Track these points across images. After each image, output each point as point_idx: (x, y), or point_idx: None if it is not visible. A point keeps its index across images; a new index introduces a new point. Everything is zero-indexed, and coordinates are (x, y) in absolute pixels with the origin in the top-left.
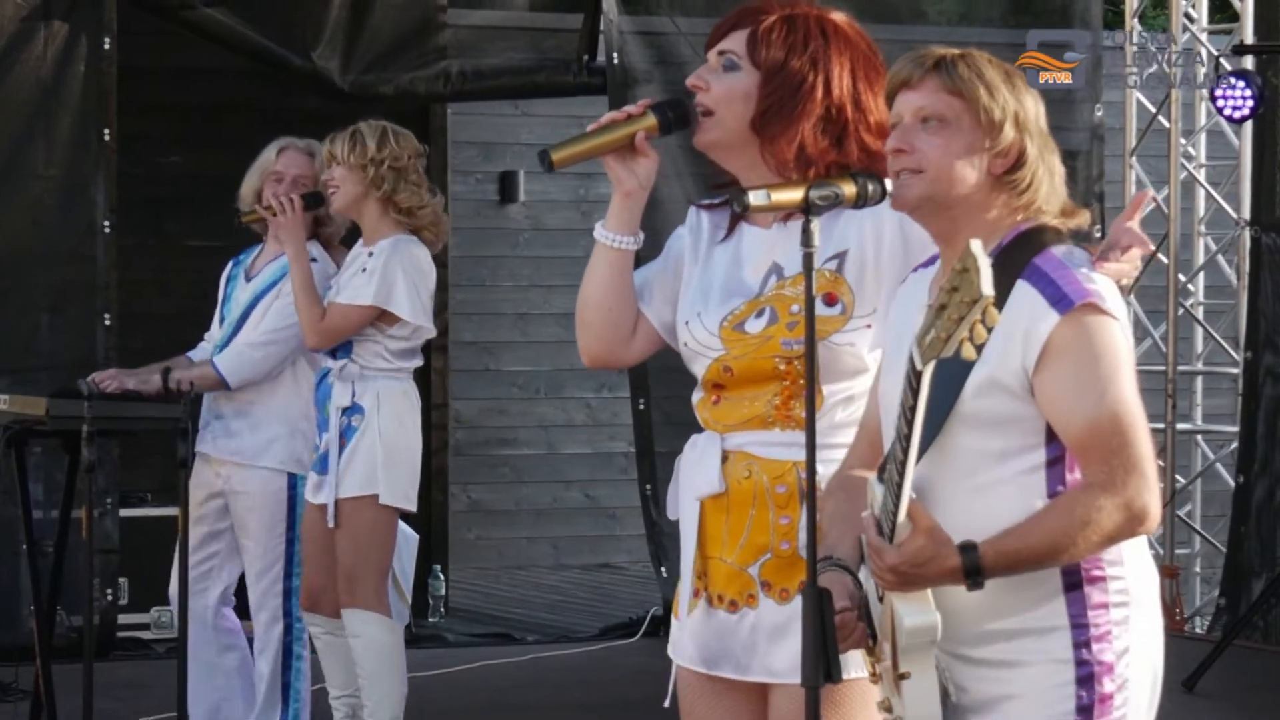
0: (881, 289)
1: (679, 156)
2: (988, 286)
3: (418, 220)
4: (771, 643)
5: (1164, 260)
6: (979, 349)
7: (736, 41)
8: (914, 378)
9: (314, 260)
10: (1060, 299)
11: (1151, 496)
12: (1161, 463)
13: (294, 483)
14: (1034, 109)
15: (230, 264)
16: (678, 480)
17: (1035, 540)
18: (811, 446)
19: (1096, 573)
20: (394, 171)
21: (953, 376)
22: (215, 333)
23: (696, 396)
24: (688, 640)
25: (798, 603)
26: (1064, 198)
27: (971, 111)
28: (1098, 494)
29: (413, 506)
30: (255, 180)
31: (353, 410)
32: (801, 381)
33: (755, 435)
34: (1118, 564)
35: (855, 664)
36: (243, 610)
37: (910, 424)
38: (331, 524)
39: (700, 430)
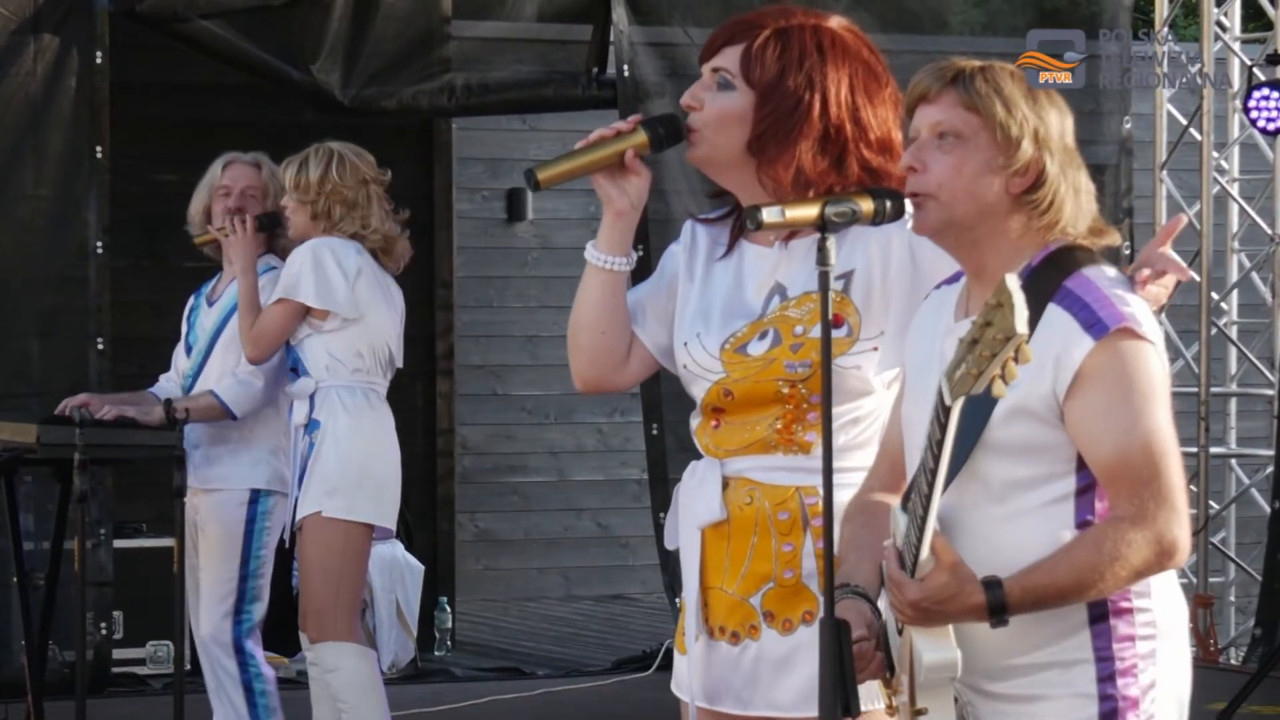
0: (889, 310)
1: (689, 173)
2: (1022, 324)
3: (364, 245)
4: (775, 675)
5: (1196, 278)
6: (1010, 386)
7: (730, 59)
8: (943, 413)
9: (272, 269)
10: (1094, 323)
11: (1182, 530)
12: (1194, 488)
13: (256, 510)
14: (1058, 124)
15: (192, 296)
16: (676, 508)
17: (1062, 576)
18: (828, 472)
19: (1124, 605)
20: (340, 204)
21: (981, 404)
22: (182, 364)
23: (695, 421)
24: (690, 674)
25: (801, 634)
26: (1093, 215)
27: (988, 128)
28: (1127, 528)
29: (382, 523)
30: (204, 196)
31: (311, 426)
32: (804, 405)
33: (757, 460)
34: (1145, 596)
35: (871, 695)
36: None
37: (937, 459)
38: (287, 546)
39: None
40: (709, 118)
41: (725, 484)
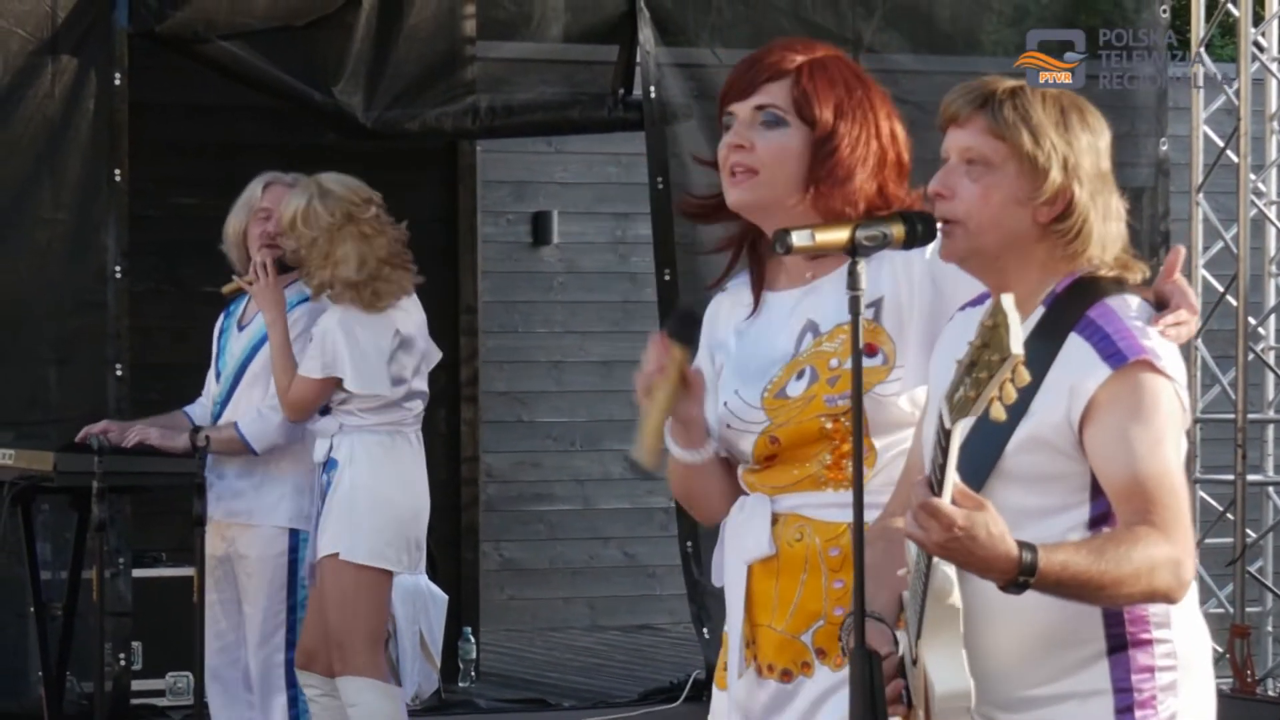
0: (918, 335)
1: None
2: (1017, 345)
3: (336, 299)
4: (829, 711)
5: (1233, 303)
6: (1008, 409)
7: (777, 95)
8: (943, 436)
9: (306, 299)
10: (1113, 354)
11: (1191, 565)
12: (1230, 516)
13: (296, 544)
14: (1090, 149)
15: (222, 316)
16: (723, 545)
17: (1091, 562)
18: (859, 503)
19: (1143, 636)
20: (306, 248)
21: (996, 432)
22: (212, 388)
23: (743, 468)
24: (731, 712)
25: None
26: (1123, 242)
27: (1015, 157)
28: (1158, 538)
29: (396, 567)
30: (242, 217)
31: (330, 466)
32: (849, 439)
33: (807, 497)
34: (1165, 626)
35: None
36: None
37: (940, 483)
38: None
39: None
40: (766, 157)
41: (774, 520)
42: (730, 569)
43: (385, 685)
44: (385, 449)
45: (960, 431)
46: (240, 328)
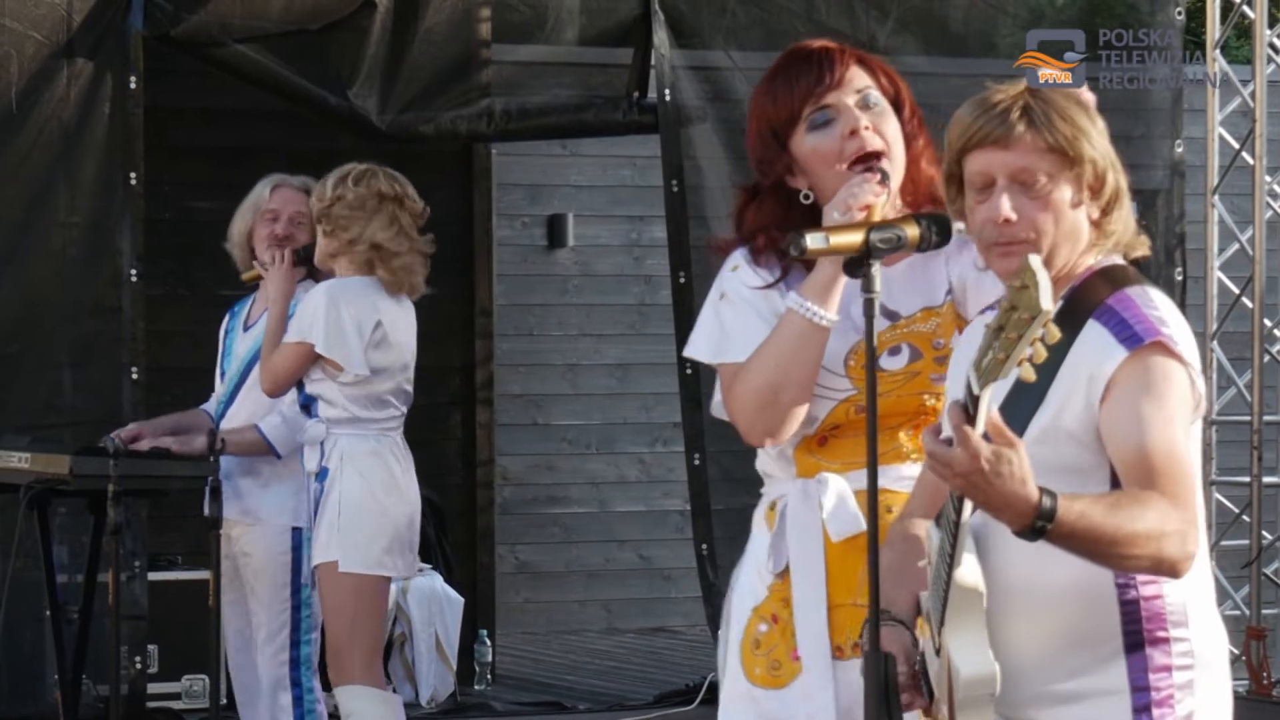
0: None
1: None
2: (1047, 301)
3: (357, 257)
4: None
5: (1248, 305)
6: (1026, 399)
7: (864, 78)
8: (971, 404)
9: None
10: (1129, 336)
11: (1196, 541)
12: (1246, 518)
13: (299, 542)
14: (1106, 136)
15: (227, 317)
16: (784, 529)
17: (1107, 515)
18: (873, 494)
19: (1160, 634)
20: (343, 208)
21: (1016, 421)
22: (218, 388)
23: (789, 447)
24: (811, 701)
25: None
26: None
27: (1068, 164)
28: (1168, 506)
29: (392, 572)
30: (248, 218)
31: (321, 475)
32: (932, 419)
33: (892, 470)
34: (1182, 625)
35: None
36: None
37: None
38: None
39: (754, 483)
40: (891, 134)
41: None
42: (806, 553)
43: (382, 692)
44: (374, 454)
45: (989, 396)
46: (245, 328)
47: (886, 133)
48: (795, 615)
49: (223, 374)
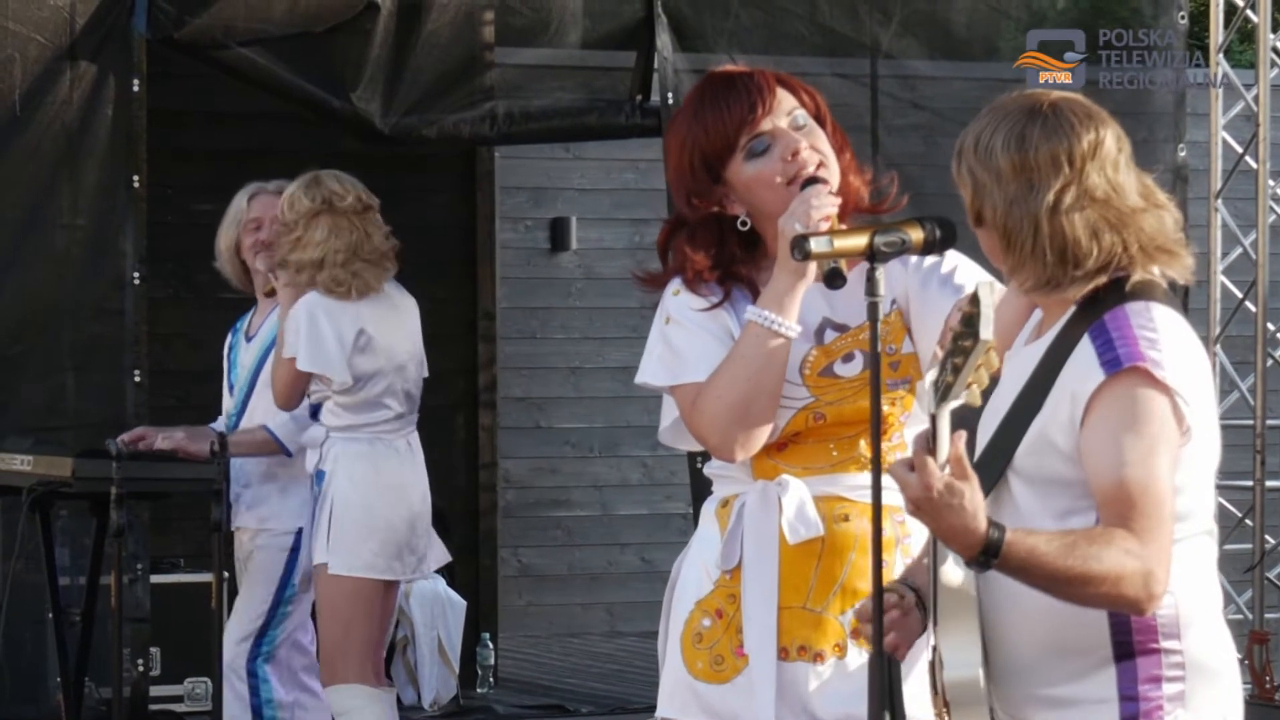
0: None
1: None
2: (987, 331)
3: (310, 285)
4: (858, 693)
5: (1252, 309)
6: (1025, 406)
7: (790, 99)
8: (931, 421)
9: None
10: (1111, 360)
11: (1164, 580)
12: (1249, 522)
13: (298, 543)
14: (1029, 172)
15: (230, 333)
16: (738, 531)
17: (1058, 558)
18: (877, 499)
19: (1151, 645)
20: (281, 236)
21: (1013, 428)
22: (226, 403)
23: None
24: (750, 699)
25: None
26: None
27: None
28: (1133, 544)
29: (385, 575)
30: (232, 232)
31: (319, 477)
32: (898, 423)
33: (849, 478)
34: (1174, 637)
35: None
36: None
37: (935, 442)
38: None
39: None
40: (829, 156)
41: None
42: (755, 554)
43: (373, 689)
44: (365, 457)
45: (944, 417)
46: (248, 339)
47: (821, 149)
48: (744, 612)
49: (230, 387)
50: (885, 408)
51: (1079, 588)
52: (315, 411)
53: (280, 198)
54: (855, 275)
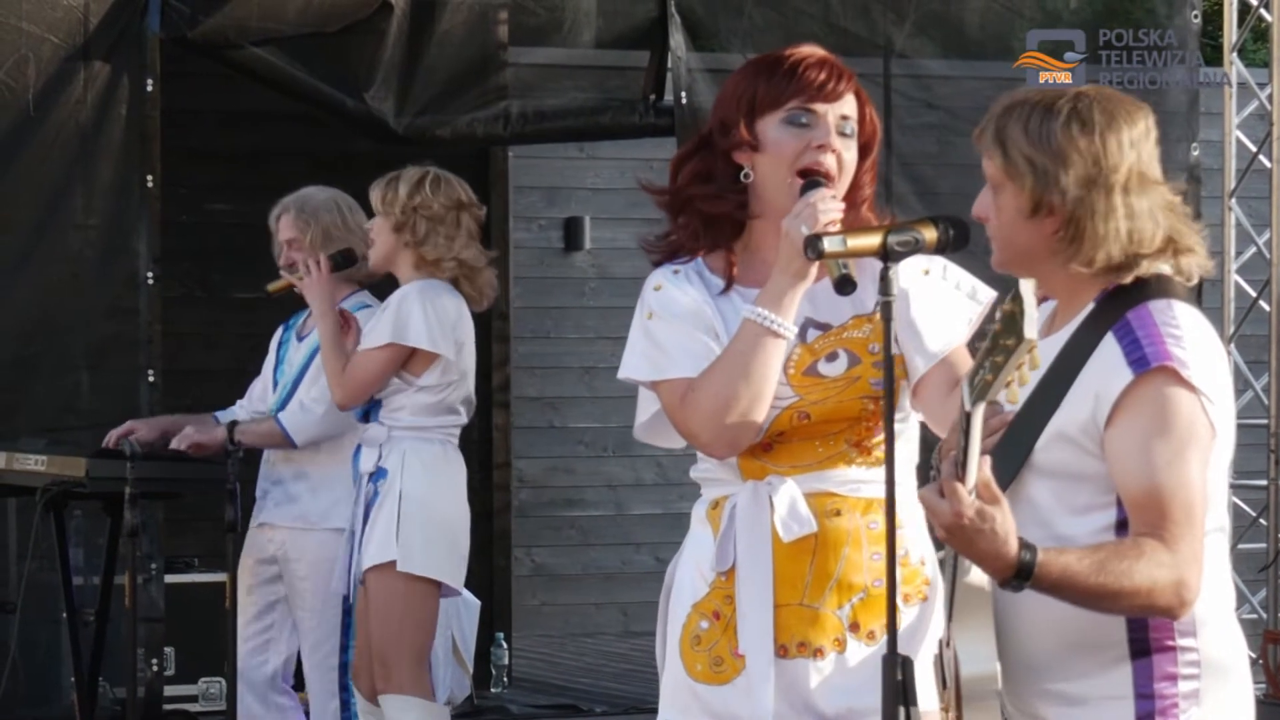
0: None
1: None
2: (1031, 330)
3: (444, 274)
4: (861, 687)
5: (1266, 308)
6: (1042, 402)
7: (854, 109)
8: (964, 419)
9: (367, 306)
10: (1138, 359)
11: (1197, 583)
12: (1264, 522)
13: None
14: (1085, 150)
15: (281, 329)
16: (732, 532)
17: (1091, 575)
18: (891, 494)
19: (1167, 642)
20: (425, 220)
21: (1030, 423)
22: (269, 397)
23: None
24: (750, 699)
25: (883, 644)
26: (1166, 232)
27: (1006, 175)
28: (1164, 555)
29: (449, 579)
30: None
31: (378, 475)
32: (879, 420)
33: (836, 474)
34: (1190, 635)
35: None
36: (298, 681)
37: (964, 466)
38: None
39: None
40: (846, 175)
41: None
42: (749, 553)
43: (431, 704)
44: (439, 458)
45: (980, 415)
46: (300, 339)
47: (845, 164)
48: (739, 613)
49: (275, 383)
50: (870, 406)
51: (1112, 602)
52: (366, 414)
53: (287, 214)
54: (825, 283)
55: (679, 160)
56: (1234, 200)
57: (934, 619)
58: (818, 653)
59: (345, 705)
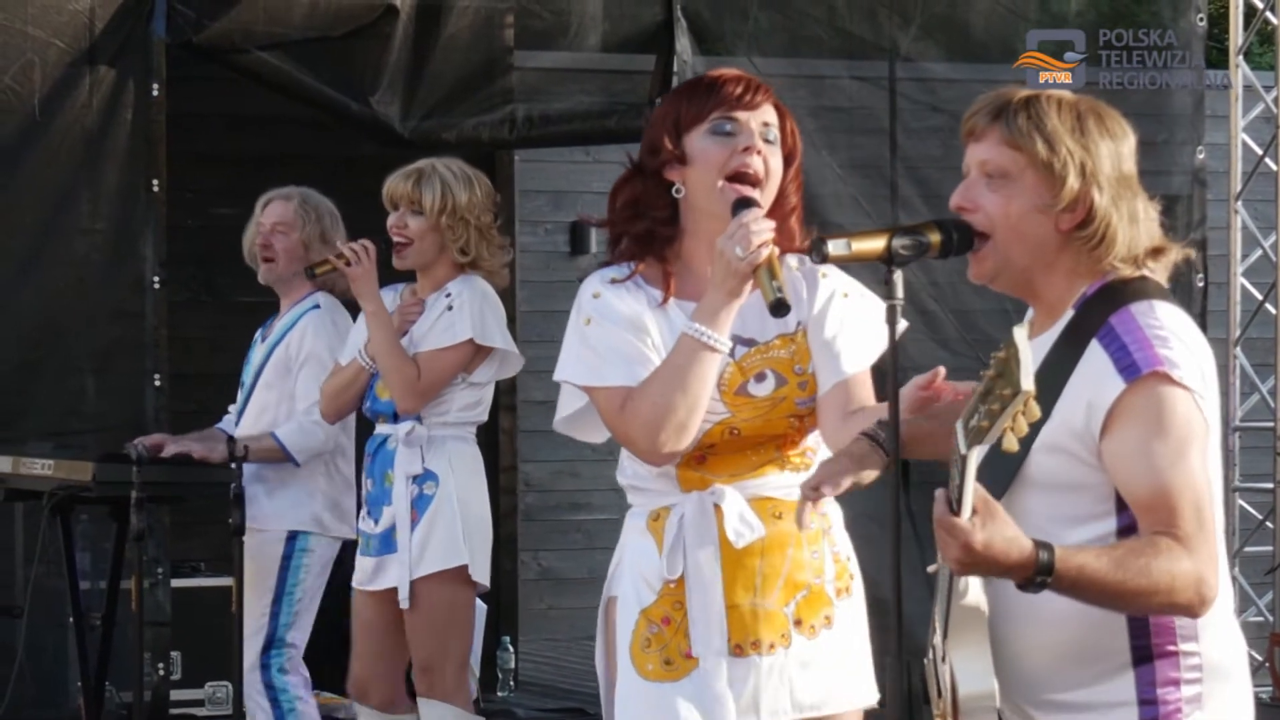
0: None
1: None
2: (1028, 381)
3: (477, 268)
4: (801, 679)
5: (1272, 310)
6: (1047, 383)
7: (774, 117)
8: (960, 461)
9: (316, 308)
10: (1128, 365)
11: (1215, 578)
12: (1270, 524)
13: (291, 551)
14: (1109, 153)
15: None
16: (681, 541)
17: (1109, 571)
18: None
19: (1169, 648)
20: (476, 230)
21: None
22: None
23: (667, 467)
24: (707, 696)
25: (823, 637)
26: (1153, 236)
27: (1033, 165)
28: (1180, 553)
29: (487, 581)
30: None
31: (424, 478)
32: (805, 432)
33: (771, 479)
34: (1192, 639)
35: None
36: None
37: (959, 503)
38: (405, 605)
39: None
40: (773, 180)
41: None
42: (704, 560)
43: (468, 714)
44: (476, 460)
45: (975, 458)
46: (263, 339)
47: (771, 169)
48: (690, 617)
49: (241, 384)
50: (795, 424)
51: (1131, 600)
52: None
53: (282, 201)
54: (758, 294)
55: (614, 190)
56: (1240, 203)
57: (861, 609)
58: (769, 648)
59: (275, 702)
